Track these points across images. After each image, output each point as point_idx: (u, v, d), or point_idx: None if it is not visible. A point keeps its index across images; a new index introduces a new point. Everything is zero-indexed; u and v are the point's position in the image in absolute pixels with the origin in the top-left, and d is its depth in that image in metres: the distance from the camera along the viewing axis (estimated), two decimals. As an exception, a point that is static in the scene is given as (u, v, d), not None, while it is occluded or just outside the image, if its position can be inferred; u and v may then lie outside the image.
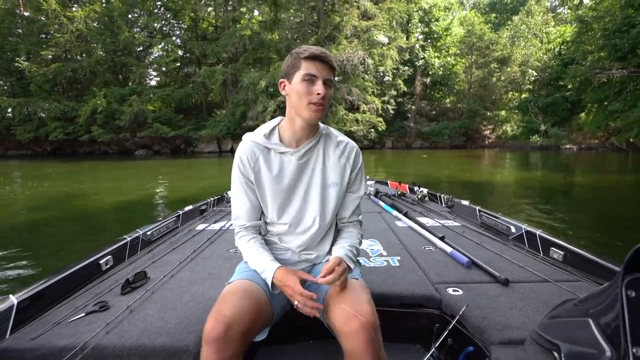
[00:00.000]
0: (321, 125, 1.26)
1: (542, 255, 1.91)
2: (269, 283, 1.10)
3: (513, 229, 2.21)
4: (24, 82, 26.00)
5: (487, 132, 30.91)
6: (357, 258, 1.29)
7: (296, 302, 1.03)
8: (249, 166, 1.19)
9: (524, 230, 2.10)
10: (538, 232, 2.00)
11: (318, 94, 1.09)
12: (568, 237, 3.92)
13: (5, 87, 28.06)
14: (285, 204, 1.22)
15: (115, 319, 1.25)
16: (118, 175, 12.24)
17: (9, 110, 26.26)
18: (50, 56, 25.65)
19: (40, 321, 1.27)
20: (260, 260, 1.15)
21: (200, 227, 2.61)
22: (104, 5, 26.65)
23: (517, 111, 29.50)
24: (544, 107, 26.28)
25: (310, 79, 1.09)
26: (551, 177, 10.32)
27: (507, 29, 29.96)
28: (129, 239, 1.99)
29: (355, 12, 24.08)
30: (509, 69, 29.11)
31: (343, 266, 1.07)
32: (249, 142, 1.21)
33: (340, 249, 1.17)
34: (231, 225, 2.08)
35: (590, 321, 0.65)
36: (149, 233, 2.20)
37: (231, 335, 0.93)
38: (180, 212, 2.73)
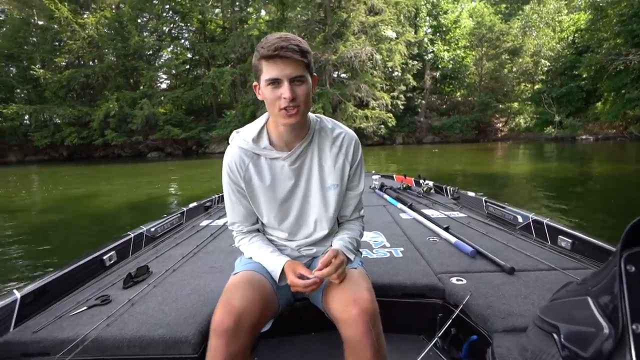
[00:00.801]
0: (313, 118, 1.15)
1: (549, 243, 1.86)
2: (277, 277, 1.08)
3: (520, 219, 2.16)
4: (40, 89, 26.71)
5: (500, 124, 30.37)
6: (359, 249, 1.26)
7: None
8: (239, 175, 1.12)
9: (531, 220, 2.05)
10: (545, 220, 1.94)
11: (284, 98, 0.96)
12: (582, 228, 3.81)
13: (22, 95, 28.93)
14: (283, 213, 1.17)
15: (117, 312, 1.26)
16: (131, 177, 12.47)
17: (26, 117, 27.01)
18: (63, 63, 26.30)
19: (43, 315, 1.29)
20: (266, 255, 1.13)
21: (204, 223, 2.63)
22: (113, 10, 27.09)
23: (530, 102, 28.88)
24: (558, 97, 25.68)
25: (273, 82, 0.96)
26: (567, 169, 10.08)
27: (518, 19, 29.29)
28: (132, 235, 2.01)
29: (362, 8, 23.95)
30: (520, 60, 28.48)
31: (340, 258, 1.03)
32: (236, 149, 1.12)
33: (339, 241, 1.13)
34: None
35: (589, 299, 0.62)
36: (152, 229, 2.22)
37: (241, 326, 0.91)
38: (185, 209, 2.74)
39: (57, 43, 26.75)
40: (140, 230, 2.10)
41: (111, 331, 1.15)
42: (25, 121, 27.38)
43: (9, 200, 8.07)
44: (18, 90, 28.76)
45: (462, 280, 1.42)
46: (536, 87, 29.26)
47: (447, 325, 1.21)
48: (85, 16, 25.86)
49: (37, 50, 27.00)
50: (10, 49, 26.69)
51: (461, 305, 1.25)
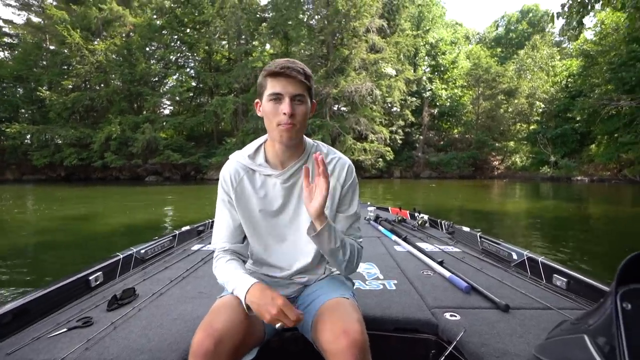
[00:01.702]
0: (309, 143, 1.17)
1: (544, 282, 1.84)
2: (243, 303, 0.97)
3: (515, 256, 2.14)
4: (44, 110, 27.09)
5: (496, 162, 30.80)
6: (351, 263, 1.14)
7: (279, 325, 0.90)
8: (231, 185, 1.13)
9: (525, 257, 2.03)
10: (540, 258, 1.93)
11: (284, 113, 1.00)
12: (577, 267, 3.77)
13: (27, 115, 29.36)
14: (271, 229, 1.15)
15: (97, 335, 1.21)
16: (127, 199, 12.37)
17: (28, 136, 27.24)
18: (70, 86, 26.81)
19: (19, 336, 1.23)
20: (234, 276, 1.03)
21: (195, 247, 2.58)
22: (124, 39, 28.04)
23: (525, 142, 29.49)
24: (553, 138, 26.24)
25: (276, 98, 1.01)
26: (562, 208, 10.11)
27: (513, 62, 30.54)
28: (121, 256, 1.96)
29: (363, 46, 24.90)
30: (516, 101, 29.34)
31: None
32: (234, 162, 1.16)
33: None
34: None
35: (586, 338, 0.60)
36: (142, 251, 2.17)
37: (221, 350, 0.88)
38: (177, 232, 2.70)
39: (65, 67, 27.39)
40: (130, 252, 2.05)
41: (90, 355, 1.09)
42: (26, 140, 27.60)
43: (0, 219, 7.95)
44: (23, 110, 29.26)
45: (455, 316, 1.39)
46: (531, 127, 29.96)
47: None
48: (95, 43, 26.69)
49: (46, 73, 27.63)
50: (19, 70, 27.44)
51: (454, 342, 1.21)
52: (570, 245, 5.34)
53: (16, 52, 29.83)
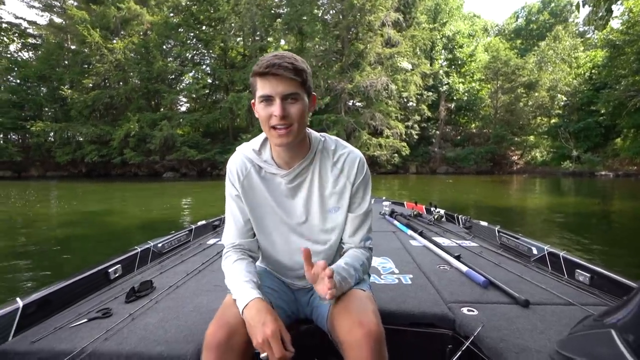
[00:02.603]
0: (315, 137, 1.11)
1: (566, 277, 1.77)
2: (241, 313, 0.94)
3: (535, 250, 2.07)
4: (66, 108, 28.16)
5: (515, 157, 30.06)
6: (363, 278, 1.13)
7: (263, 355, 0.86)
8: (238, 179, 1.10)
9: (546, 252, 1.97)
10: (562, 253, 1.86)
11: (275, 115, 0.94)
12: (601, 262, 3.63)
13: (50, 113, 30.49)
14: (278, 230, 1.13)
15: (116, 326, 1.25)
16: (145, 195, 12.65)
17: (52, 134, 28.33)
18: (90, 84, 27.65)
19: (43, 325, 1.28)
20: (237, 285, 0.99)
21: (211, 241, 2.61)
22: (141, 37, 28.56)
23: (546, 136, 28.69)
24: (576, 132, 25.44)
25: (266, 100, 0.96)
26: (586, 203, 9.78)
27: (534, 54, 29.59)
28: (139, 249, 2.01)
29: (378, 40, 24.61)
30: (536, 94, 28.48)
31: (329, 273, 0.90)
32: (241, 155, 1.12)
33: (334, 266, 1.02)
34: None
35: (613, 332, 0.56)
36: (159, 245, 2.22)
37: (233, 343, 0.89)
38: (193, 227, 2.74)
39: (86, 65, 28.24)
40: (147, 246, 2.10)
41: (109, 345, 1.13)
42: (50, 138, 28.71)
43: (22, 213, 8.24)
44: (46, 109, 30.40)
45: (473, 311, 1.35)
46: (553, 121, 29.10)
47: (456, 358, 1.14)
48: (114, 41, 27.30)
49: (67, 72, 28.63)
50: (43, 70, 28.58)
51: (472, 337, 1.17)
52: (593, 241, 5.15)
53: (39, 52, 30.93)
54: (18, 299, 1.28)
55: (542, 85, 28.07)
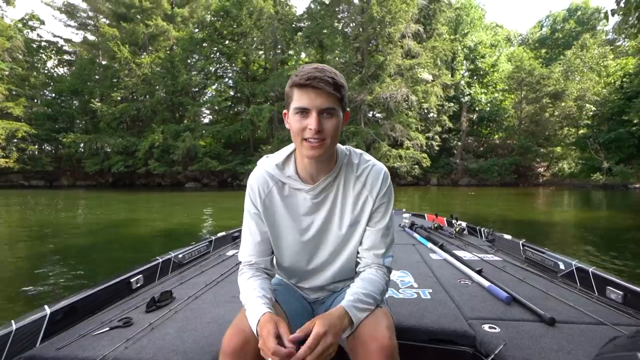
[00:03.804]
0: (342, 151, 1.09)
1: (596, 294, 1.67)
2: (254, 329, 0.92)
3: (562, 265, 1.96)
4: (95, 120, 29.65)
5: (541, 169, 29.07)
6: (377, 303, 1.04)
7: None
8: (259, 197, 1.08)
9: (574, 267, 1.86)
10: (591, 269, 1.75)
11: (310, 129, 0.93)
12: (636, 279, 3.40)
13: (81, 125, 32.11)
14: (298, 248, 1.11)
15: (136, 335, 1.28)
16: (168, 205, 12.93)
17: (81, 145, 29.77)
18: (119, 97, 28.99)
19: (68, 332, 1.32)
20: (250, 301, 0.98)
21: (230, 252, 2.63)
22: (168, 52, 29.69)
23: (574, 147, 27.63)
24: (607, 143, 24.41)
25: (302, 112, 0.94)
26: (619, 218, 9.29)
27: (560, 64, 28.79)
28: (160, 260, 2.05)
29: (398, 52, 24.60)
30: (563, 104, 27.57)
31: (326, 342, 0.83)
32: (262, 171, 1.10)
33: (350, 296, 0.96)
34: None
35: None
36: (180, 256, 2.26)
37: (248, 350, 0.90)
38: (213, 238, 2.76)
39: (115, 80, 29.61)
40: (168, 256, 2.14)
41: (129, 354, 1.16)
42: (80, 149, 30.15)
43: (50, 221, 8.56)
44: (77, 121, 32.05)
45: (495, 328, 1.29)
46: (581, 131, 28.06)
47: None
48: (142, 56, 28.52)
49: (98, 86, 30.18)
50: (76, 85, 30.28)
51: (493, 355, 1.12)
52: (626, 258, 4.85)
53: (73, 67, 32.74)
54: (46, 307, 1.33)
55: (569, 95, 27.16)
